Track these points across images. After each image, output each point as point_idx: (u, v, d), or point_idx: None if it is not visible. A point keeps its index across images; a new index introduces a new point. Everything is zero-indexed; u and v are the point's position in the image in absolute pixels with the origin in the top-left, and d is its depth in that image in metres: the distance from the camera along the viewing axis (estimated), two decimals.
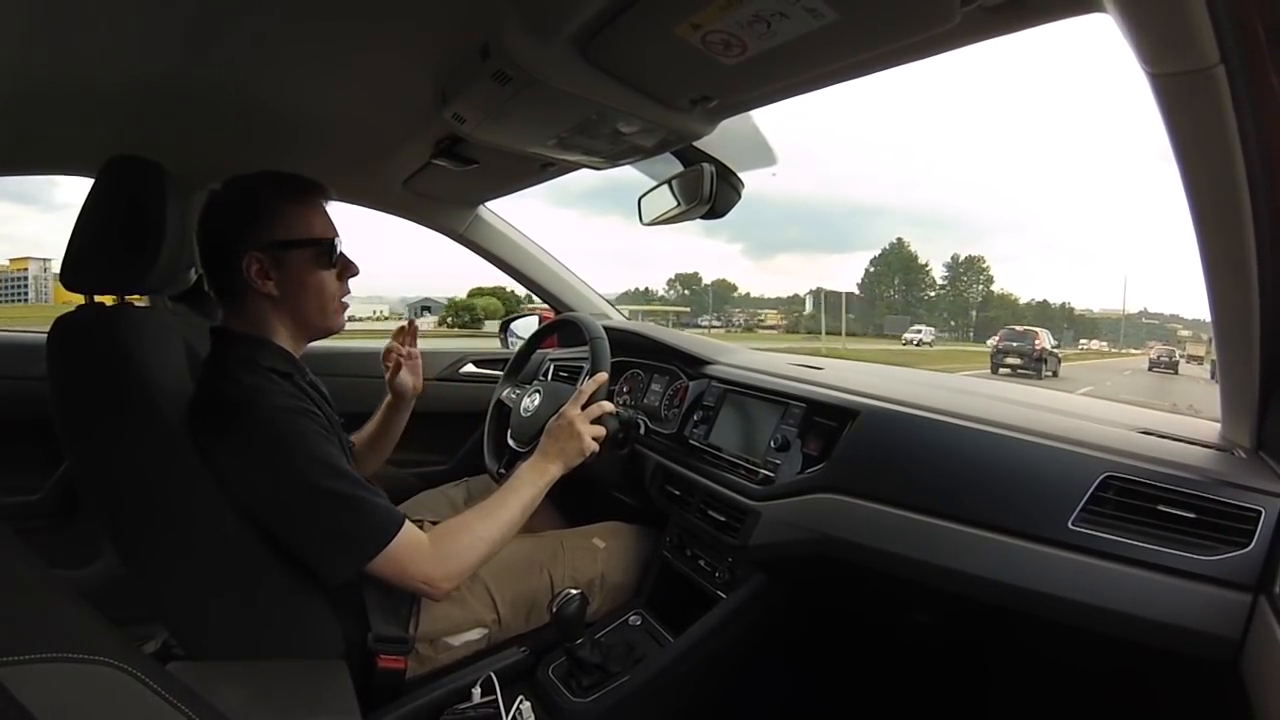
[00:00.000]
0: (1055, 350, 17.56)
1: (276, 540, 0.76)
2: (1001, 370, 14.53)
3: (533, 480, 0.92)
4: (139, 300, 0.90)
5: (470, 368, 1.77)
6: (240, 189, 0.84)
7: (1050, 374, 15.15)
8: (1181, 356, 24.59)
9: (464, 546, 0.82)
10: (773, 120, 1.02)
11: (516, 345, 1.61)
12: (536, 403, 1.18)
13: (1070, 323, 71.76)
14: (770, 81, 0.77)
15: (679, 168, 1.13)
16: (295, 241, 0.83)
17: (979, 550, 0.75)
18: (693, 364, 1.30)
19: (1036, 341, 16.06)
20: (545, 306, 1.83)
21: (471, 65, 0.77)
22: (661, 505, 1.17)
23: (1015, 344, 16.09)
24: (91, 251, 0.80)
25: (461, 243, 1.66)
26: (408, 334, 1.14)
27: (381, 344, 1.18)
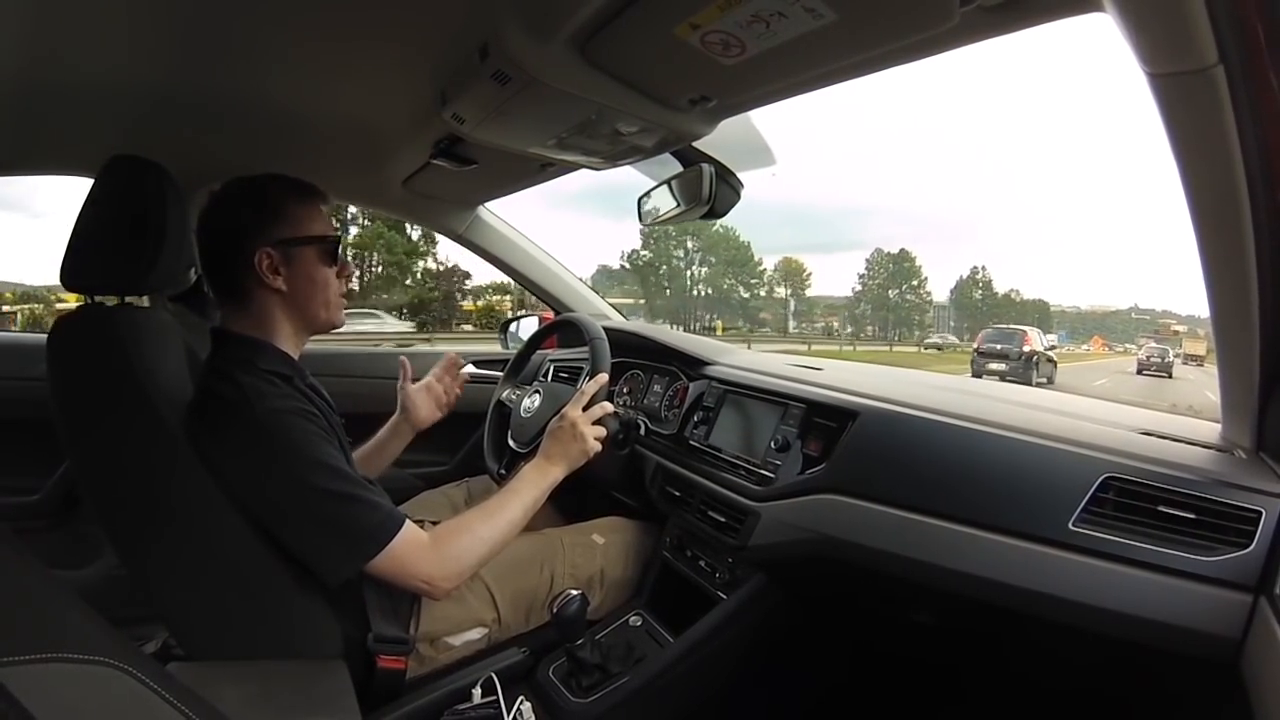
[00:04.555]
0: (1050, 351, 15.05)
1: (276, 540, 0.76)
2: (985, 376, 11.79)
3: (535, 482, 0.92)
4: (139, 301, 0.90)
5: (470, 369, 1.77)
6: (248, 187, 0.85)
7: (1044, 380, 13.03)
8: (1176, 356, 22.75)
9: (465, 547, 0.82)
10: (768, 119, 1.01)
11: (516, 346, 1.61)
12: (537, 403, 1.18)
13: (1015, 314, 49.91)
14: (769, 82, 0.77)
15: (678, 168, 1.13)
16: (303, 238, 0.84)
17: (979, 551, 0.75)
18: (692, 365, 1.30)
19: (1025, 342, 13.73)
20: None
21: (471, 65, 0.77)
22: (662, 506, 1.17)
23: (999, 345, 13.69)
24: (91, 252, 0.80)
25: (461, 243, 1.66)
26: (454, 366, 1.22)
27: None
